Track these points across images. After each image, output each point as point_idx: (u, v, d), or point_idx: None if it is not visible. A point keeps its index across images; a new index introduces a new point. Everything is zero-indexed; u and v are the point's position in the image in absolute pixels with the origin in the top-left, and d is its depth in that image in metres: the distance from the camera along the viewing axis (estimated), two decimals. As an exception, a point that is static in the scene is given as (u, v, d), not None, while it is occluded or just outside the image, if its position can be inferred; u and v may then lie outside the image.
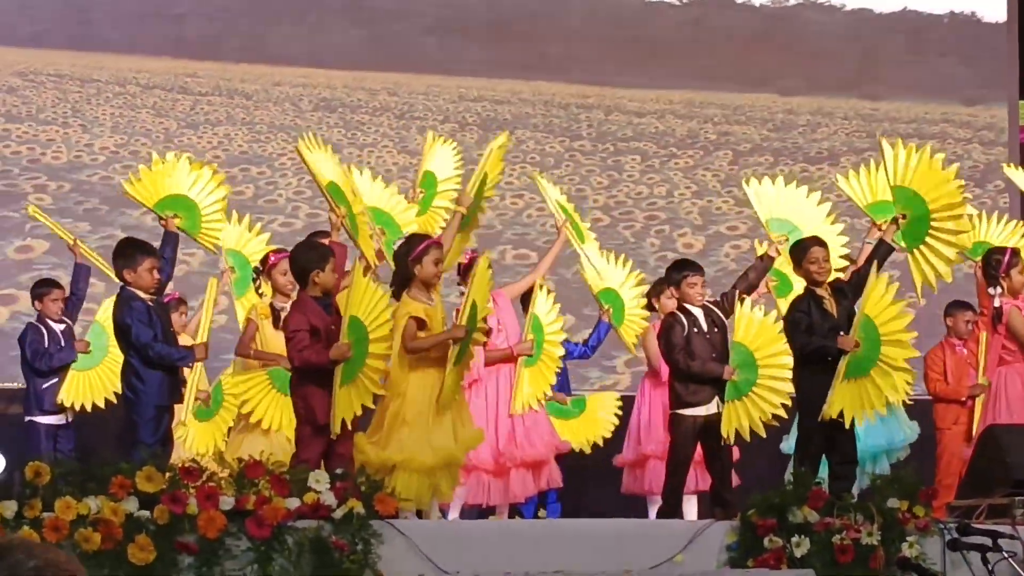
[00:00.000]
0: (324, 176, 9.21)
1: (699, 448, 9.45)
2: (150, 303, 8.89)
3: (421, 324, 8.51)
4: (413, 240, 8.87)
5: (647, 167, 15.31)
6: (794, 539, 8.13)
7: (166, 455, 8.15)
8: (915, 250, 9.30)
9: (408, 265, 8.62)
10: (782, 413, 9.29)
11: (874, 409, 9.10)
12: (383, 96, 15.06)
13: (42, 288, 10.87)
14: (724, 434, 9.11)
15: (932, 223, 9.23)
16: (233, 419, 10.09)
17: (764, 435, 9.31)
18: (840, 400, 8.92)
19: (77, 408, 10.64)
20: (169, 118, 14.36)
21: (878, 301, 8.98)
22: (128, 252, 9.03)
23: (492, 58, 15.31)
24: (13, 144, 13.79)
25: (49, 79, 14.29)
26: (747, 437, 9.22)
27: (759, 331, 9.33)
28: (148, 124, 14.23)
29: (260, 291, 9.87)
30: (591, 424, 11.17)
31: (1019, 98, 15.94)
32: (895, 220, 9.31)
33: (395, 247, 8.96)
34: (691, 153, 15.49)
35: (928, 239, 9.27)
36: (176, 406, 9.18)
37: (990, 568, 7.55)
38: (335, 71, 15.06)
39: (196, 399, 9.90)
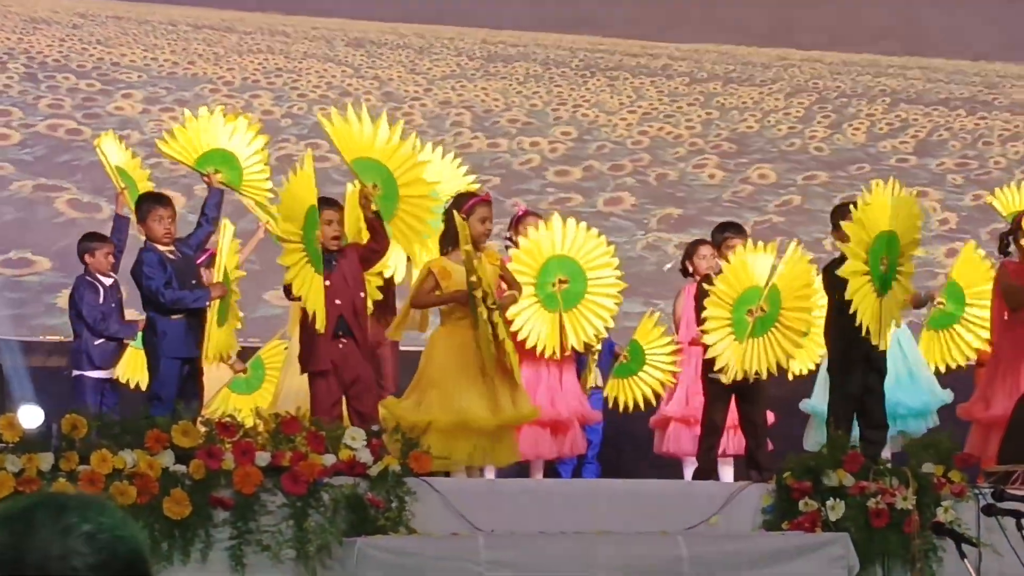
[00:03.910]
0: (348, 152, 8.42)
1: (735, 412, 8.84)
2: (167, 254, 8.36)
3: (444, 277, 7.95)
4: (461, 198, 8.27)
5: (608, 86, 15.63)
6: (829, 502, 7.71)
7: (189, 409, 7.52)
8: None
9: (455, 223, 8.01)
10: (795, 355, 8.66)
11: None
12: (411, 38, 15.72)
13: (92, 242, 9.61)
14: (742, 369, 8.34)
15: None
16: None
17: (781, 371, 8.61)
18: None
19: (131, 385, 9.78)
20: (218, 47, 15.44)
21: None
22: (137, 207, 8.60)
23: (534, 15, 15.50)
24: (96, 53, 15.06)
25: (109, 19, 15.40)
26: (763, 375, 8.46)
27: (793, 271, 8.59)
28: (200, 50, 15.32)
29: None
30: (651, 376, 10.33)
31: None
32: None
33: (446, 205, 8.31)
34: (653, 79, 15.71)
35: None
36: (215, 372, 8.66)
37: (1024, 534, 7.05)
38: (375, 22, 15.76)
39: (236, 370, 9.32)
